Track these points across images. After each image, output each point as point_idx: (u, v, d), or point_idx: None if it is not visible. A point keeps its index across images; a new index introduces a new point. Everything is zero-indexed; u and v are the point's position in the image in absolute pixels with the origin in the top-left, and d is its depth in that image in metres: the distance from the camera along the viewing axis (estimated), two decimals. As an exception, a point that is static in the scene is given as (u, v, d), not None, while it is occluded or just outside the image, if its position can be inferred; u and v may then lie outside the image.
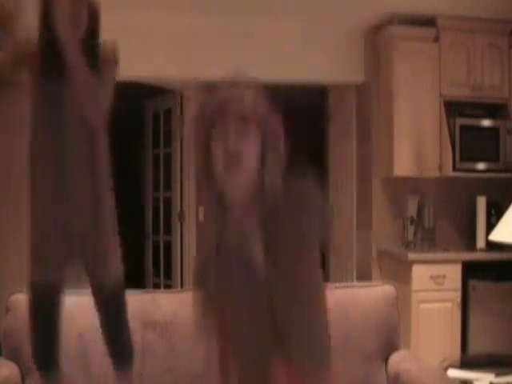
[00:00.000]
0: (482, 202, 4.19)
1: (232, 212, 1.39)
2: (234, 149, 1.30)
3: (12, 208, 4.28)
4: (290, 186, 1.40)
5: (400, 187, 4.34)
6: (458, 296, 3.87)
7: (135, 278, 5.63)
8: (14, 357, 1.99)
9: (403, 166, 4.10)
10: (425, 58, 4.13)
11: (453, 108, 4.19)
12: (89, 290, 1.90)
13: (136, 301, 2.13)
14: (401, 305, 2.46)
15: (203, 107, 1.38)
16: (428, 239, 4.28)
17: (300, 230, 1.40)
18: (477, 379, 2.38)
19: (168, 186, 5.41)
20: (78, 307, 2.08)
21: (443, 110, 4.15)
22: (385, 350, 2.23)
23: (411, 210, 4.29)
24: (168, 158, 5.40)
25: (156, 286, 5.59)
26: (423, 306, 3.83)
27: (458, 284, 3.88)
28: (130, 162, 6.10)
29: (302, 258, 1.42)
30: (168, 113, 5.39)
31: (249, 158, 1.33)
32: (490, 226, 3.51)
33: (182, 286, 5.17)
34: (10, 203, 4.29)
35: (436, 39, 4.16)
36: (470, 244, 4.27)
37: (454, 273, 3.88)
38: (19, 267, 4.37)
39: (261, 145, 1.35)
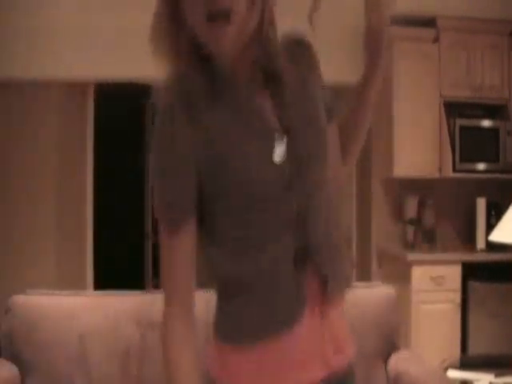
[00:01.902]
0: (481, 203, 4.19)
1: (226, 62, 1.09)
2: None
3: (12, 208, 4.28)
4: (289, 43, 1.23)
5: (400, 188, 4.34)
6: (457, 297, 3.87)
7: (135, 278, 5.64)
8: (14, 357, 1.99)
9: (403, 166, 4.11)
10: (425, 58, 4.13)
11: (453, 108, 4.19)
12: (88, 291, 1.89)
13: (136, 301, 2.13)
14: (401, 305, 2.46)
15: None
16: (428, 240, 4.28)
17: (309, 89, 1.19)
18: (476, 380, 2.38)
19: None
20: (78, 308, 2.08)
21: (443, 110, 4.15)
22: (385, 350, 2.23)
23: (411, 210, 4.29)
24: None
25: (156, 287, 5.58)
26: (423, 306, 3.83)
27: (458, 285, 3.88)
28: (129, 162, 6.10)
29: (316, 118, 1.16)
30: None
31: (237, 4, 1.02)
32: (490, 227, 3.51)
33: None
34: (9, 204, 4.28)
35: (436, 40, 4.16)
36: (470, 245, 4.27)
37: (453, 273, 3.88)
38: (19, 268, 4.39)
39: None
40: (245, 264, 1.07)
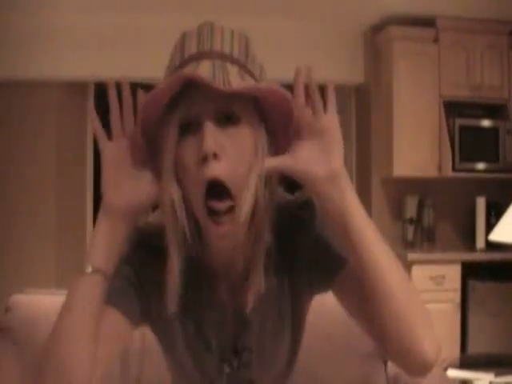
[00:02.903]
0: (481, 202, 4.19)
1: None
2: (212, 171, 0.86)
3: (12, 208, 4.28)
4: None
5: (399, 187, 4.34)
6: (457, 296, 3.87)
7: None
8: (14, 357, 1.99)
9: (403, 166, 4.11)
10: (425, 58, 4.13)
11: (452, 108, 4.19)
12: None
13: (136, 301, 2.13)
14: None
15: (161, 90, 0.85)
16: (427, 239, 4.28)
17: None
18: (476, 379, 2.38)
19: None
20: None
21: (443, 110, 4.15)
22: (384, 350, 2.23)
23: (411, 210, 4.29)
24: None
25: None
26: (423, 306, 3.83)
27: (458, 284, 3.88)
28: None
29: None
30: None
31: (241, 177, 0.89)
32: (490, 226, 3.51)
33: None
34: (9, 204, 4.28)
35: (436, 39, 4.16)
36: (470, 244, 4.27)
37: (453, 273, 3.88)
38: (19, 267, 4.38)
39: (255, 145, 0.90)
40: None
